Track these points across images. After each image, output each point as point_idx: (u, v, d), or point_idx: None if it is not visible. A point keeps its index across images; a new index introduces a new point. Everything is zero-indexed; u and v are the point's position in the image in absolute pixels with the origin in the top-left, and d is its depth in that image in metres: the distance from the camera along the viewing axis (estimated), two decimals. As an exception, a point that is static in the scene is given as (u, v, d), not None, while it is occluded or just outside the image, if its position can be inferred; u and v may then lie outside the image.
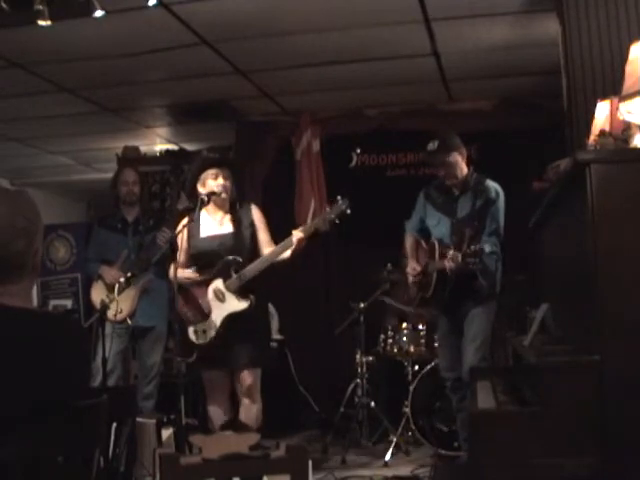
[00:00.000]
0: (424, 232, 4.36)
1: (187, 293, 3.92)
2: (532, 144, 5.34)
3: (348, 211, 3.79)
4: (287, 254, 3.83)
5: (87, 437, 1.71)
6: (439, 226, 4.22)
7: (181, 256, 3.95)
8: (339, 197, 3.80)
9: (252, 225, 3.95)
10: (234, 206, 4.03)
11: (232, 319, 3.82)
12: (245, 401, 3.88)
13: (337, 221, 3.79)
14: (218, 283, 3.87)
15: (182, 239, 3.97)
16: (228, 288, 3.84)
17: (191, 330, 3.87)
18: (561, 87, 3.53)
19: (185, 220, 3.99)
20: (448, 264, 3.86)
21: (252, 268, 3.82)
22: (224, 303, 3.84)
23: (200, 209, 3.93)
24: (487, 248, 3.88)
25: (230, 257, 3.84)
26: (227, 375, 3.91)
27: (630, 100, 2.32)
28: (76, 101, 5.70)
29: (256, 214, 4.01)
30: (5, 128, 6.45)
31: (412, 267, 4.27)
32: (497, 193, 4.16)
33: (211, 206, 3.99)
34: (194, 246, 3.97)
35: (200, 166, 4.06)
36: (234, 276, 3.82)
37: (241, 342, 3.81)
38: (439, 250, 4.06)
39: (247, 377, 3.84)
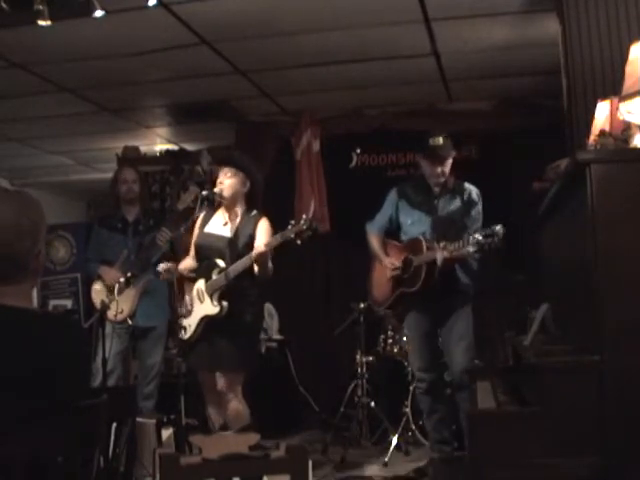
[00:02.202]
0: (390, 233, 4.36)
1: (182, 286, 3.99)
2: (532, 144, 5.34)
3: (309, 233, 3.61)
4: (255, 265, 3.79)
5: (87, 437, 1.71)
6: (418, 224, 4.21)
7: (191, 246, 4.06)
8: (304, 216, 3.66)
9: (252, 236, 3.88)
10: (245, 212, 3.98)
11: (211, 321, 3.83)
12: (222, 403, 3.91)
13: (298, 241, 3.60)
14: (200, 283, 3.89)
15: (194, 230, 4.07)
16: (207, 290, 3.85)
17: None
18: (561, 87, 3.53)
19: (201, 214, 4.06)
20: (440, 254, 3.90)
21: (219, 278, 3.82)
22: (202, 304, 3.86)
23: (200, 207, 3.97)
24: (471, 248, 3.87)
25: (215, 260, 3.86)
26: (215, 377, 3.91)
27: (630, 100, 2.32)
28: (76, 101, 5.70)
29: (261, 227, 3.90)
30: (5, 128, 6.45)
31: (390, 262, 4.25)
32: (478, 196, 4.26)
33: (223, 205, 4.01)
34: (197, 237, 4.04)
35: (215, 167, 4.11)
36: (213, 278, 3.84)
37: (221, 344, 3.81)
38: (426, 244, 4.06)
39: (219, 379, 3.84)
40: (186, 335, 3.89)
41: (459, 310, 4.14)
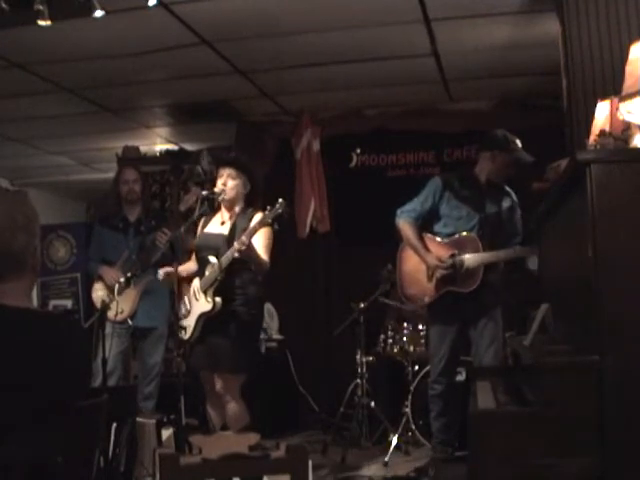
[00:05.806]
0: (425, 222, 4.18)
1: (182, 288, 3.99)
2: (532, 144, 5.34)
3: (285, 215, 3.67)
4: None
5: (87, 437, 1.71)
6: (465, 219, 4.08)
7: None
8: (280, 200, 3.66)
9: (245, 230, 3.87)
10: (242, 210, 4.00)
11: (208, 319, 3.83)
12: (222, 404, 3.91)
13: (276, 226, 3.70)
14: (196, 282, 3.92)
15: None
16: (201, 287, 3.87)
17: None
18: (561, 87, 3.53)
19: (202, 217, 4.08)
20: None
21: (211, 274, 3.83)
22: (198, 302, 3.87)
23: (201, 207, 3.97)
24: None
25: (208, 257, 3.86)
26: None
27: (630, 100, 2.32)
28: (76, 101, 5.70)
29: (255, 221, 3.86)
30: (5, 128, 6.45)
31: (439, 259, 4.01)
32: (517, 199, 4.24)
33: (222, 206, 4.03)
34: (197, 238, 4.07)
35: (215, 166, 4.12)
36: (205, 275, 3.85)
37: (218, 345, 3.82)
38: (481, 243, 3.99)
39: (217, 380, 3.85)
40: (186, 335, 3.90)
41: (492, 310, 4.08)
